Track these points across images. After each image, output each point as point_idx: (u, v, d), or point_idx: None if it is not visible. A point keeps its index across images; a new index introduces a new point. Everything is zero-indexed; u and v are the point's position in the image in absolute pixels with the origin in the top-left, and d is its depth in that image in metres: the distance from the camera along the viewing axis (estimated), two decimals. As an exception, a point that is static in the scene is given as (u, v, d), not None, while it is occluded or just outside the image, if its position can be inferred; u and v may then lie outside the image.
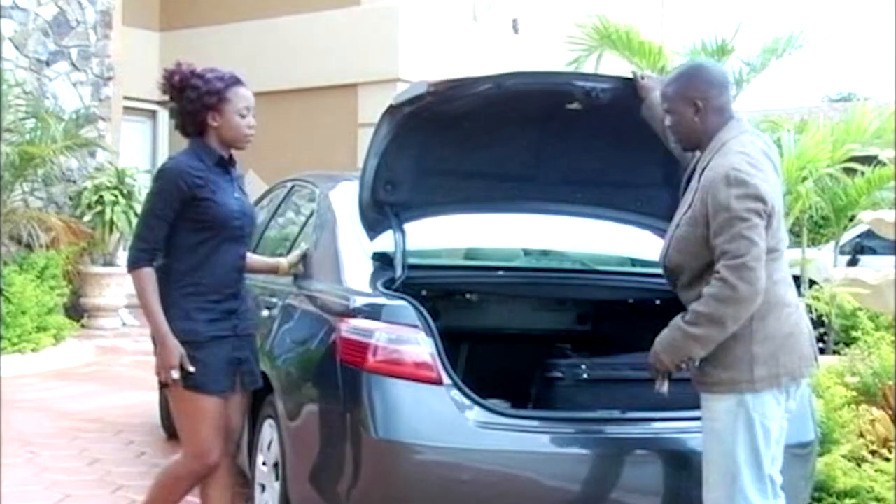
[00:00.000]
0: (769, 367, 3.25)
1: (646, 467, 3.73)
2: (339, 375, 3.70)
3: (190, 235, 3.66)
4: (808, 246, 10.67)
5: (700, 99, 3.36)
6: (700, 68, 3.56)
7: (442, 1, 13.54)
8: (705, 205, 3.22)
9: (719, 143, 3.35)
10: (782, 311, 3.30)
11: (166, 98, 3.80)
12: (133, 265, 3.67)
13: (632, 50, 9.79)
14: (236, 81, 3.78)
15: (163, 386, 3.81)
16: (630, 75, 3.95)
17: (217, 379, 3.71)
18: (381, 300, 3.76)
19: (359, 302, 3.79)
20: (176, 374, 3.62)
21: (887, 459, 5.15)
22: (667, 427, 3.76)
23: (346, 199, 4.53)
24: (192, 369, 3.63)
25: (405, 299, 3.71)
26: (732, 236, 3.15)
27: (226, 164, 3.79)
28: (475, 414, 3.57)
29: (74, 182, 11.64)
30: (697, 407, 3.39)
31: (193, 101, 3.71)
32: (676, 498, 3.75)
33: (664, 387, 3.33)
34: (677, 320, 3.26)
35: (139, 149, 14.34)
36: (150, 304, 3.64)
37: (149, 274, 3.64)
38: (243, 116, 3.73)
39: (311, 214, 4.77)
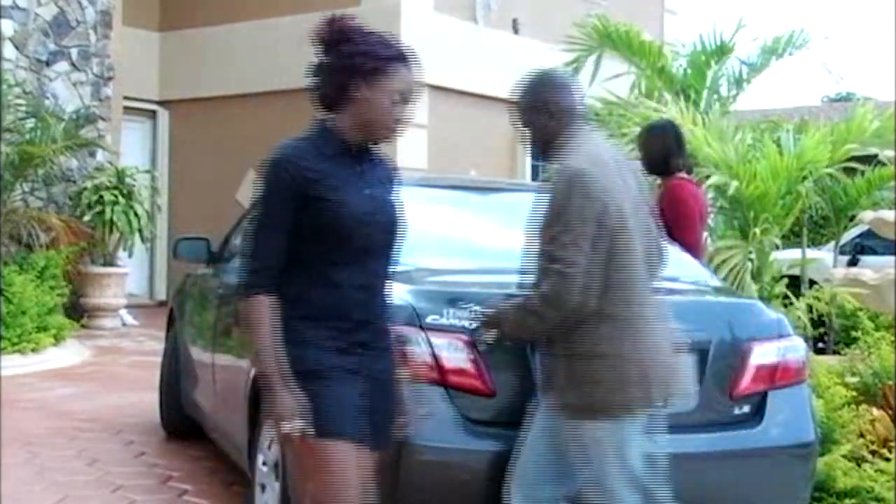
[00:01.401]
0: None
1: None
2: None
3: (302, 246, 2.86)
4: (808, 246, 10.68)
5: (551, 103, 3.37)
6: (544, 75, 3.56)
7: (442, 1, 13.53)
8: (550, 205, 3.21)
9: (568, 144, 3.32)
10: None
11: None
12: (247, 290, 2.88)
13: (632, 50, 9.79)
14: (403, 59, 2.94)
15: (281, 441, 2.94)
16: None
17: (347, 420, 2.85)
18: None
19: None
20: (299, 423, 2.76)
21: (887, 459, 5.15)
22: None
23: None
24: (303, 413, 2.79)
25: (406, 299, 3.70)
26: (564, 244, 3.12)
27: (356, 155, 2.95)
28: (475, 414, 3.57)
29: (74, 182, 11.63)
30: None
31: (344, 58, 2.87)
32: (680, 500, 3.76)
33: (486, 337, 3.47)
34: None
35: (139, 149, 14.34)
36: (261, 338, 2.82)
37: (264, 303, 2.84)
38: (395, 103, 2.90)
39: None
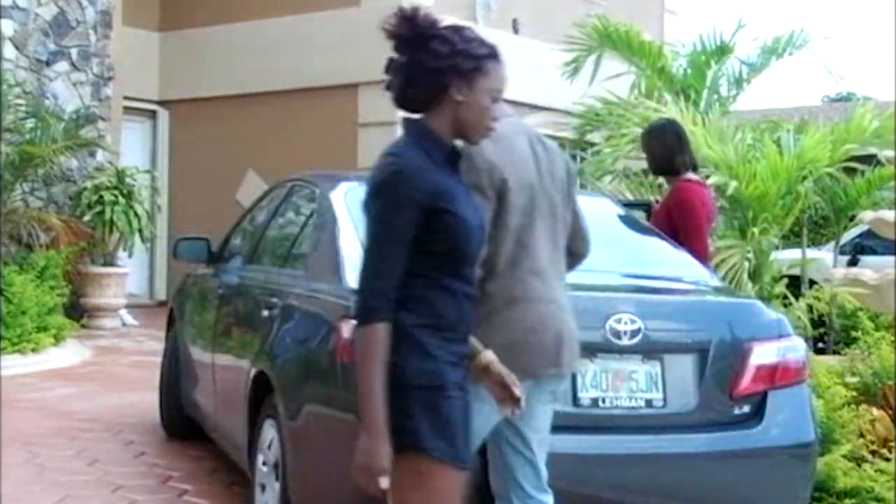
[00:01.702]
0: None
1: (648, 469, 3.73)
2: (340, 375, 3.70)
3: (420, 257, 2.67)
4: (808, 246, 10.68)
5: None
6: None
7: (442, 1, 13.53)
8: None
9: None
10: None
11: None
12: (367, 317, 2.61)
13: (632, 50, 9.80)
14: (496, 56, 2.81)
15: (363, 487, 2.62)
16: None
17: (462, 443, 2.70)
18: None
19: (359, 302, 3.78)
20: (385, 483, 2.55)
21: (887, 459, 5.16)
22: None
23: (346, 199, 4.53)
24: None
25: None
26: None
27: (452, 159, 2.82)
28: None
29: (74, 182, 11.64)
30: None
31: (441, 58, 2.70)
32: (680, 501, 3.76)
33: None
34: None
35: (139, 149, 14.34)
36: (374, 378, 2.57)
37: (384, 332, 2.59)
38: (493, 101, 2.80)
39: (311, 214, 4.77)
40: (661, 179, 8.41)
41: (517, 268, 3.14)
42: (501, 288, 3.12)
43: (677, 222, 5.26)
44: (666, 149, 5.54)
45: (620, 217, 5.05)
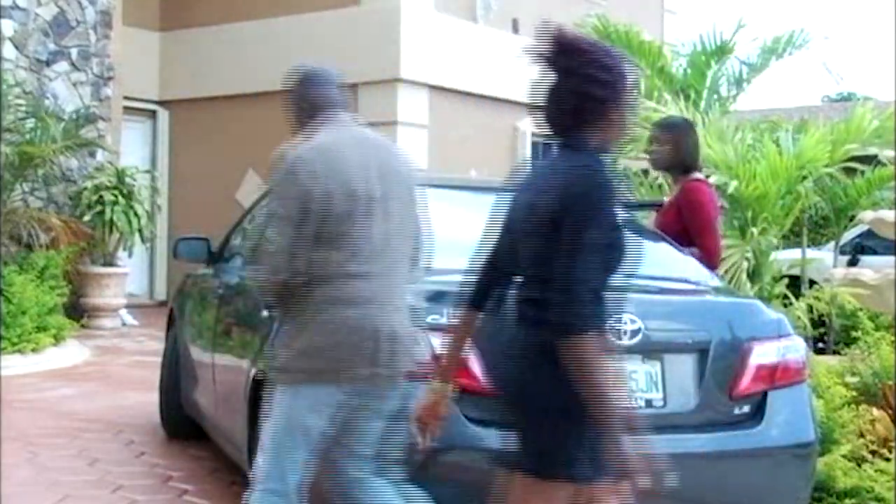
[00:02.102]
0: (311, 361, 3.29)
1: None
2: (340, 375, 3.70)
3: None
4: (808, 246, 10.68)
5: (301, 98, 3.63)
6: (303, 73, 3.73)
7: (442, 1, 13.54)
8: None
9: (313, 134, 3.52)
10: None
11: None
12: (583, 326, 2.60)
13: (632, 50, 9.79)
14: (633, 72, 2.90)
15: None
16: None
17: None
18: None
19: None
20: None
21: (887, 459, 5.16)
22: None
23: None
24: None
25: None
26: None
27: None
28: (476, 413, 3.57)
29: (74, 182, 11.64)
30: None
31: (604, 84, 2.74)
32: (680, 501, 3.76)
33: None
34: None
35: (139, 149, 14.34)
36: (608, 381, 2.63)
37: (598, 343, 2.65)
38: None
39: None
40: (660, 179, 8.41)
41: (339, 271, 3.30)
42: (320, 291, 3.29)
43: (689, 221, 5.20)
44: (684, 146, 5.43)
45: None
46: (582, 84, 2.72)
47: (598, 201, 2.66)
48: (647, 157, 5.76)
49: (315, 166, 3.34)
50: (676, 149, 5.42)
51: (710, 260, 4.98)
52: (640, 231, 4.95)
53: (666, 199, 5.91)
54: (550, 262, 2.63)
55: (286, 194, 3.33)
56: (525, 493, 2.74)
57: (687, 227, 5.19)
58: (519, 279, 2.81)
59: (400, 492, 3.44)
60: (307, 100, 3.60)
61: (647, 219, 5.76)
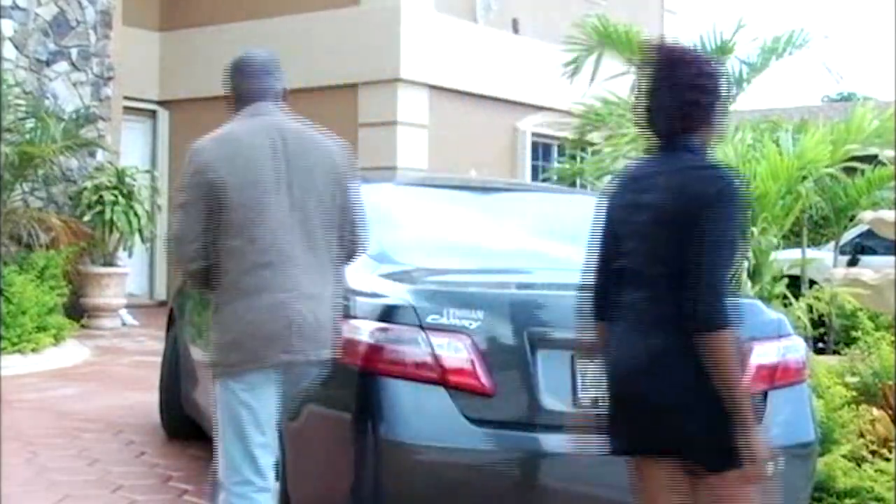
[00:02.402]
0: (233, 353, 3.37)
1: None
2: (340, 375, 3.70)
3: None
4: (808, 246, 10.68)
5: (231, 89, 3.59)
6: (234, 60, 3.65)
7: (442, 1, 13.54)
8: None
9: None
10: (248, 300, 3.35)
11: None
12: (726, 320, 2.76)
13: (631, 50, 9.78)
14: None
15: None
16: None
17: None
18: (382, 300, 3.75)
19: (359, 303, 3.79)
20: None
21: (887, 459, 5.16)
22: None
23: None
24: None
25: (406, 299, 3.70)
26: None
27: None
28: (475, 413, 3.57)
29: (74, 182, 11.63)
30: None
31: (708, 91, 2.94)
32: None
33: None
34: None
35: (139, 149, 14.34)
36: (741, 375, 2.83)
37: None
38: None
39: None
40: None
41: (244, 261, 3.34)
42: (229, 281, 3.36)
43: None
44: None
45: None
46: (690, 92, 2.89)
47: (738, 199, 2.81)
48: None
49: (210, 157, 3.39)
50: None
51: None
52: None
53: None
54: (689, 260, 2.74)
55: (184, 184, 3.41)
56: (674, 481, 2.87)
57: None
58: (638, 281, 2.88)
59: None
60: (234, 89, 3.60)
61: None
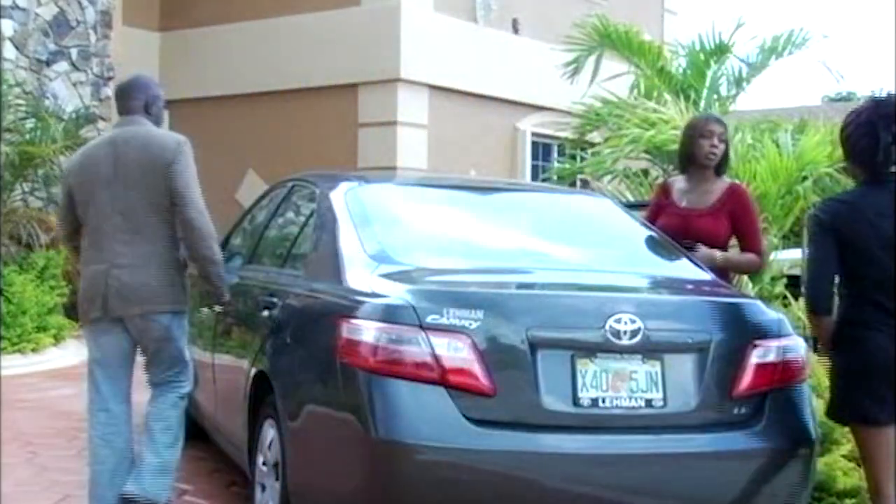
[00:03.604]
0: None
1: (648, 469, 3.73)
2: (340, 375, 3.70)
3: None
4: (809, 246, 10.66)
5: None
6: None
7: (442, 1, 13.54)
8: None
9: None
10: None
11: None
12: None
13: (631, 50, 9.79)
14: None
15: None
16: None
17: None
18: (382, 300, 3.75)
19: (359, 302, 3.79)
20: None
21: (887, 459, 5.14)
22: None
23: (346, 199, 4.53)
24: None
25: (406, 299, 3.70)
26: None
27: None
28: (476, 413, 3.57)
29: (74, 182, 11.61)
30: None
31: None
32: (680, 501, 3.76)
33: None
34: None
35: (139, 149, 14.34)
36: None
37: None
38: None
39: (311, 214, 4.77)
40: (660, 179, 8.40)
41: (84, 242, 4.57)
42: (81, 257, 4.63)
43: (745, 224, 5.11)
44: (728, 146, 5.31)
45: (620, 217, 5.05)
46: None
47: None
48: (707, 156, 5.21)
49: (69, 166, 4.80)
50: (726, 147, 5.27)
51: (761, 261, 4.98)
52: (644, 231, 4.96)
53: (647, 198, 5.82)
54: None
55: (62, 186, 4.81)
56: None
57: (738, 229, 5.12)
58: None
59: (159, 410, 4.57)
60: (119, 109, 4.67)
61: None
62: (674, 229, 5.00)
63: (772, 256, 7.57)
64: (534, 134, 14.58)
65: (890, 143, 3.87)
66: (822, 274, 3.97)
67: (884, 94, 4.12)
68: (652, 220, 5.20)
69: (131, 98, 4.62)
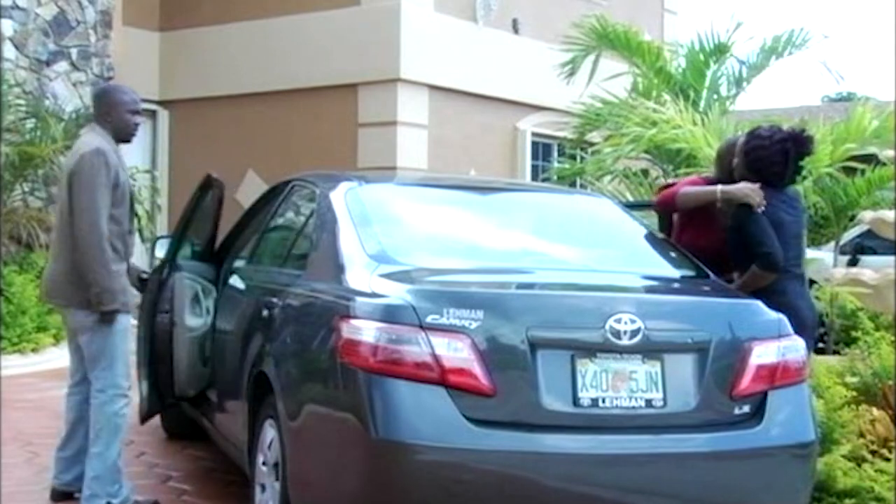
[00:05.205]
0: None
1: (648, 469, 3.73)
2: (340, 376, 3.70)
3: None
4: (808, 246, 10.67)
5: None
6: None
7: (442, 1, 13.54)
8: None
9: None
10: None
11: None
12: None
13: (630, 50, 9.80)
14: None
15: None
16: None
17: None
18: (382, 300, 3.75)
19: (359, 302, 3.79)
20: None
21: (887, 459, 5.16)
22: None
23: (346, 199, 4.53)
24: None
25: (406, 299, 3.70)
26: None
27: None
28: (476, 413, 3.57)
29: (74, 182, 11.60)
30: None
31: None
32: (680, 500, 3.76)
33: None
34: None
35: (139, 149, 14.31)
36: None
37: None
38: None
39: (311, 214, 4.77)
40: (660, 179, 8.41)
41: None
42: None
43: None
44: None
45: (620, 217, 5.05)
46: None
47: None
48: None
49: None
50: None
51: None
52: (644, 230, 4.96)
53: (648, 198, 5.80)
54: None
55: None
56: None
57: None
58: None
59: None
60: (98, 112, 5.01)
61: (647, 218, 5.75)
62: None
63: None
64: (534, 134, 14.57)
65: (794, 171, 4.96)
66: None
67: (798, 129, 4.99)
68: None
69: (92, 107, 5.14)
